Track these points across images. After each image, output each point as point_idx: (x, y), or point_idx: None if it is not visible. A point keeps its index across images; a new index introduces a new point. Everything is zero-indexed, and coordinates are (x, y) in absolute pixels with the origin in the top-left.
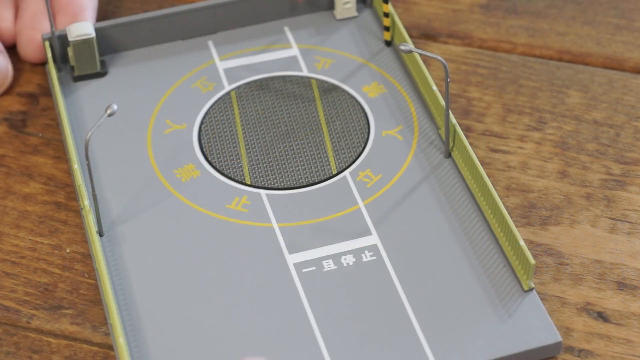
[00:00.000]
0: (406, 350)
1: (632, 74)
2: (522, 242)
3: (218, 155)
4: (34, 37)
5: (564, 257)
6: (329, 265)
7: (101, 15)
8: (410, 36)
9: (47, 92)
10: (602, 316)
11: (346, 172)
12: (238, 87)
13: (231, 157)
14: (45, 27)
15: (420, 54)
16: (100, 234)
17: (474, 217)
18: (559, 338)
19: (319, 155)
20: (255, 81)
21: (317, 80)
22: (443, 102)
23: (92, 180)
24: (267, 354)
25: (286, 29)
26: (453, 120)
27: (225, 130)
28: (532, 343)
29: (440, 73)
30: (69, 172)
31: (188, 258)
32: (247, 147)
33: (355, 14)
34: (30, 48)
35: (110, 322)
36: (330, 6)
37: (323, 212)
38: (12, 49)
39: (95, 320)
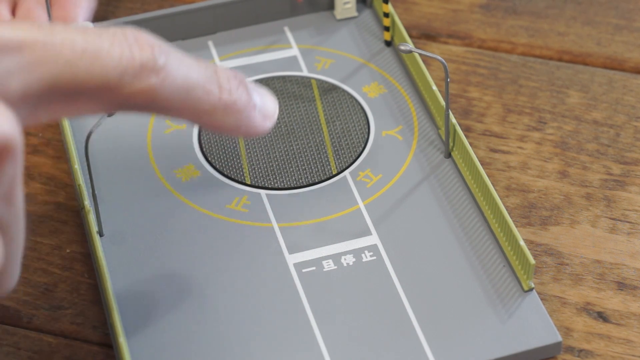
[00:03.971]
0: (406, 350)
1: (632, 74)
2: (522, 242)
3: (218, 155)
4: None
5: (564, 257)
6: (329, 265)
7: (101, 15)
8: (410, 36)
9: None
10: (602, 316)
11: (346, 172)
12: None
13: (231, 157)
14: (42, 21)
15: (420, 54)
16: (100, 234)
17: (474, 217)
18: (559, 338)
19: (319, 155)
20: (255, 81)
21: (317, 80)
22: (443, 102)
23: (92, 180)
24: (267, 354)
25: (286, 29)
26: (453, 120)
27: None
28: (532, 343)
29: (440, 73)
30: (69, 172)
31: (188, 258)
32: (247, 147)
33: (355, 14)
34: None
35: (110, 322)
36: (330, 6)
37: (323, 212)
38: None
39: (95, 320)
